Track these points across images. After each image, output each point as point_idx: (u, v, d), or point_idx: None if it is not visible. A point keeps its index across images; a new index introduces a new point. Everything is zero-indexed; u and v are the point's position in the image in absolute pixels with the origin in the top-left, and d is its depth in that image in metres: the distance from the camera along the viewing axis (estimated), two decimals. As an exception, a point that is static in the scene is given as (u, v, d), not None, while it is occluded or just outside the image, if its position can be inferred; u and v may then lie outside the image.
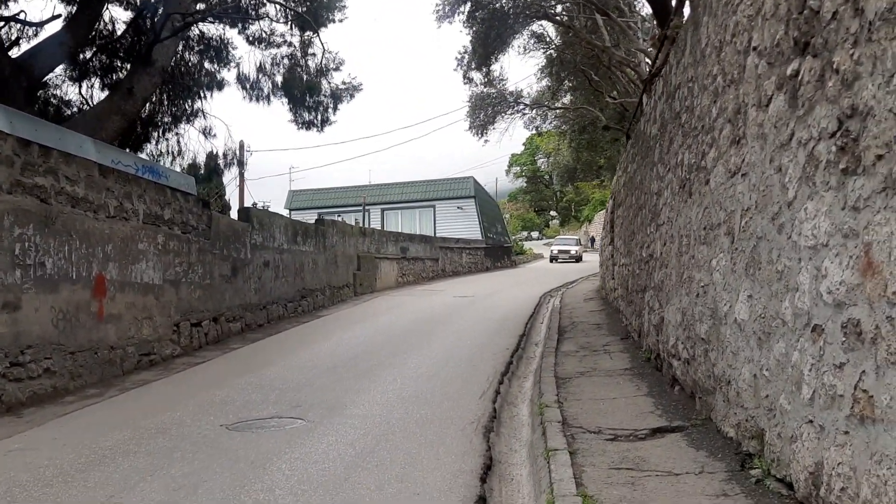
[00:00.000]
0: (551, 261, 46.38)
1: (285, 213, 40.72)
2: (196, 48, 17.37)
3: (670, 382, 7.60)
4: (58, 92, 15.04)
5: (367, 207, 41.10)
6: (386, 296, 22.70)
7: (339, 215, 41.29)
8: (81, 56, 14.32)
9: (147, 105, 14.75)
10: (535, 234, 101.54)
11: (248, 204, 35.93)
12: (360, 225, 37.13)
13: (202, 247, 11.99)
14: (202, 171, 17.06)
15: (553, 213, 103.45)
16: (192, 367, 10.38)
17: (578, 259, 45.75)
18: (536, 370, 9.87)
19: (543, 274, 36.24)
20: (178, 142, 16.50)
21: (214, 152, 17.35)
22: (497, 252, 43.34)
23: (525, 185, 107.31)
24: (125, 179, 9.69)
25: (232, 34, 18.08)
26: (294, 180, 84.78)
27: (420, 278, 29.41)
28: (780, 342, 4.38)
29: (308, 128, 17.83)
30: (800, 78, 4.08)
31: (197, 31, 17.19)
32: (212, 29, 17.41)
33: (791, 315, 4.17)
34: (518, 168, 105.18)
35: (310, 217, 39.02)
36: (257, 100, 16.90)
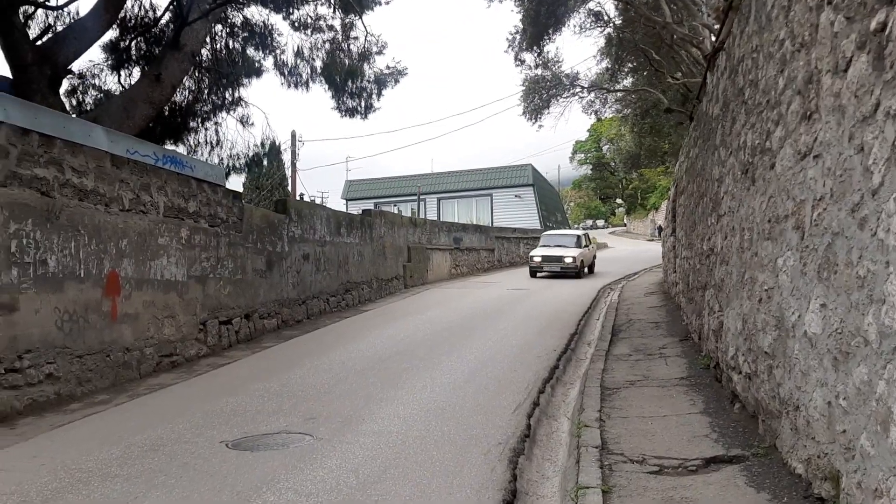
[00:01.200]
0: (532, 274, 25.91)
1: (342, 203, 40.52)
2: (240, 34, 16.86)
3: (730, 398, 6.62)
4: (84, 80, 14.68)
5: (423, 197, 40.47)
6: (437, 288, 21.98)
7: (395, 205, 40.90)
8: (109, 42, 13.93)
9: (178, 92, 14.28)
10: (599, 223, 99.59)
11: (302, 195, 35.68)
12: (415, 215, 36.54)
13: (233, 240, 11.44)
14: (241, 161, 16.56)
15: (619, 200, 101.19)
16: (215, 368, 9.82)
17: (578, 272, 25.55)
18: (584, 376, 8.98)
19: (605, 264, 34.91)
20: (217, 131, 16.02)
21: (255, 142, 16.81)
22: (557, 242, 42.21)
23: (590, 172, 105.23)
24: (142, 170, 9.15)
25: (276, 19, 17.53)
26: (350, 170, 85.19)
27: (474, 269, 28.60)
28: (861, 366, 3.43)
29: (351, 115, 17.15)
30: (888, 32, 3.12)
31: (241, 17, 16.70)
32: (255, 14, 16.87)
33: (876, 333, 3.23)
34: (582, 155, 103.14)
35: (367, 207, 38.73)
36: (296, 86, 16.29)
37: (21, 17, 11.49)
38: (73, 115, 12.76)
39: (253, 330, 12.01)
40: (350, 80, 16.57)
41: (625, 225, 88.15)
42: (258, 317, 12.24)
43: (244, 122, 16.19)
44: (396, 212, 37.08)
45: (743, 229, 6.51)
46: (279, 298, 13.17)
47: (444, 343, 11.46)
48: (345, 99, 16.86)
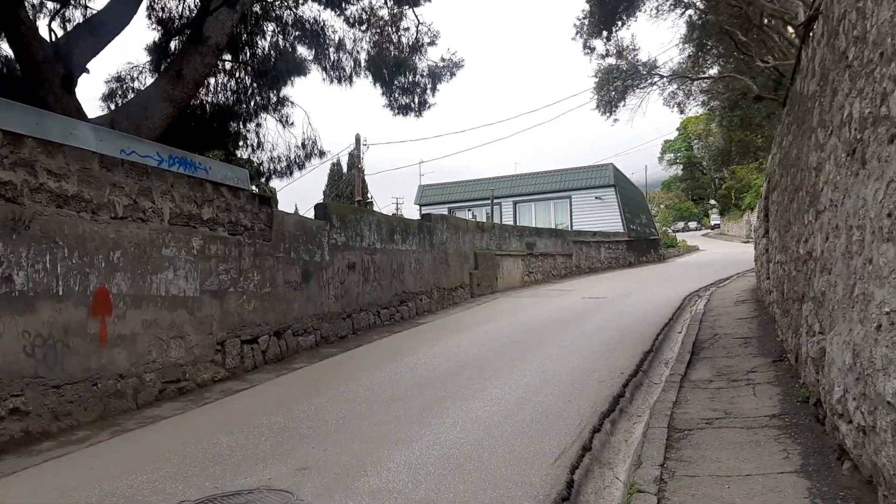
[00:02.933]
0: None
1: (415, 209, 39.50)
2: (291, 32, 15.93)
3: (836, 451, 4.99)
4: (123, 83, 14.00)
5: (499, 200, 38.95)
6: (506, 297, 20.55)
7: (469, 210, 39.64)
8: (152, 42, 13.18)
9: (218, 93, 13.41)
10: (692, 224, 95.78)
11: (369, 202, 34.97)
12: (490, 219, 35.17)
13: (259, 250, 10.40)
14: (282, 164, 15.59)
15: (712, 201, 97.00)
16: (228, 395, 8.76)
17: None
18: (651, 409, 7.43)
19: (693, 269, 32.68)
20: (258, 133, 15.10)
21: (296, 143, 15.79)
22: (641, 245, 39.90)
23: (680, 172, 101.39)
24: (141, 173, 8.17)
25: (328, 15, 16.54)
26: (423, 175, 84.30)
27: (550, 276, 26.99)
28: None
29: (405, 113, 15.97)
30: None
31: (292, 15, 15.78)
32: (306, 11, 15.92)
33: None
34: (671, 155, 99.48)
35: (441, 212, 37.62)
36: (339, 80, 15.19)
37: (29, 10, 10.80)
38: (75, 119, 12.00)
39: (285, 349, 10.93)
40: (401, 74, 15.37)
41: (715, 227, 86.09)
42: (291, 334, 11.16)
43: (285, 122, 15.21)
44: (471, 217, 35.83)
45: (850, 227, 4.91)
46: (318, 313, 12.06)
47: (496, 363, 10.08)
48: (396, 95, 15.68)
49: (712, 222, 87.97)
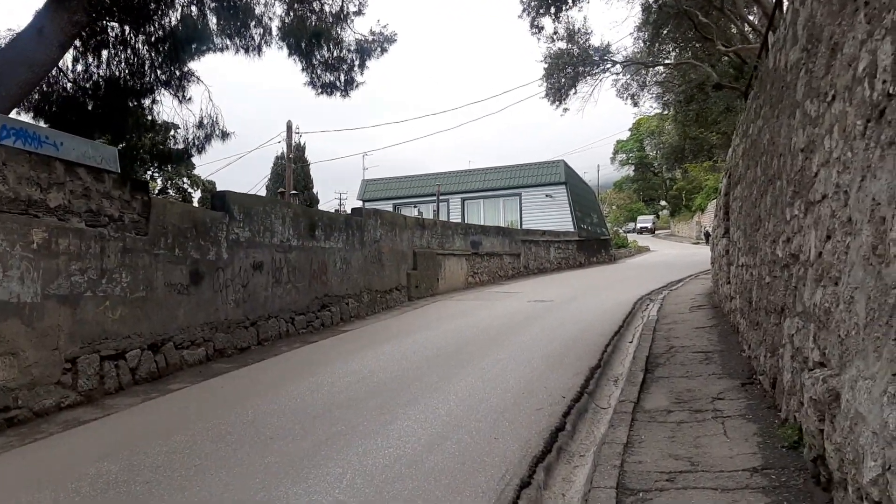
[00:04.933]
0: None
1: (359, 205, 37.65)
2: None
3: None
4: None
5: (447, 197, 37.32)
6: (447, 300, 18.94)
7: (415, 206, 37.97)
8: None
9: (112, 67, 11.48)
10: (638, 226, 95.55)
11: (296, 195, 33.16)
12: (436, 216, 33.56)
13: (131, 245, 8.59)
14: (178, 147, 13.66)
15: (663, 202, 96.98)
16: (71, 428, 6.94)
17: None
18: (597, 454, 5.87)
19: (645, 271, 31.55)
20: (152, 111, 13.15)
21: (195, 121, 13.83)
22: (592, 245, 38.67)
23: (632, 173, 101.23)
24: (-53, 146, 6.31)
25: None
26: (367, 168, 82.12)
27: (496, 277, 25.45)
28: None
29: (329, 92, 14.20)
30: None
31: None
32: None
33: None
34: (624, 155, 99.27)
35: (386, 208, 35.88)
36: (246, 50, 13.31)
37: None
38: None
39: (163, 365, 9.11)
40: (322, 47, 13.57)
41: (642, 230, 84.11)
42: (174, 347, 9.35)
43: (182, 98, 13.25)
44: (417, 213, 34.15)
45: (877, 220, 3.40)
46: (212, 321, 10.26)
47: (417, 384, 8.45)
48: (319, 72, 13.89)
49: (639, 225, 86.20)
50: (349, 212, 16.18)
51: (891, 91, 3.38)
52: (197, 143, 14.19)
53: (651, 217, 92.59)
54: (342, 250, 14.65)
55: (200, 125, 13.97)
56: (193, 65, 14.56)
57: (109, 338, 8.18)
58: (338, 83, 14.21)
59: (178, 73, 13.51)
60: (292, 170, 57.76)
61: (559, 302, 17.70)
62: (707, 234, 57.01)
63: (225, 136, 14.08)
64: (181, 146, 13.91)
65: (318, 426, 6.73)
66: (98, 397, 7.91)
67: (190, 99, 13.52)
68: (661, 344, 10.87)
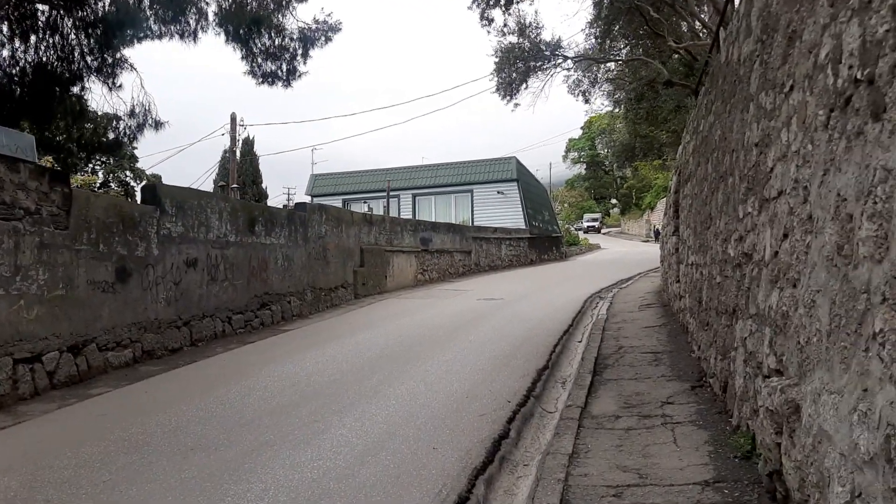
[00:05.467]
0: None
1: (307, 200, 36.89)
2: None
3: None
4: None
5: (397, 193, 36.79)
6: (395, 298, 18.50)
7: (365, 202, 37.38)
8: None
9: (40, 52, 10.73)
10: (586, 224, 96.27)
11: (235, 189, 32.55)
12: (386, 212, 33.08)
13: (49, 241, 7.97)
14: (109, 137, 12.95)
15: (614, 200, 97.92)
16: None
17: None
18: (541, 464, 5.53)
19: (595, 268, 31.56)
20: (81, 100, 12.40)
21: (126, 110, 13.11)
22: (544, 243, 38.60)
23: (583, 171, 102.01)
24: None
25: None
26: (316, 163, 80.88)
27: (446, 275, 25.10)
28: None
29: (271, 81, 13.62)
30: None
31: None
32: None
33: None
34: (575, 154, 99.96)
35: (335, 203, 35.22)
36: (181, 36, 12.65)
37: None
38: None
39: (85, 368, 8.51)
40: (262, 34, 12.98)
41: (589, 228, 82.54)
42: (97, 348, 8.74)
43: (112, 85, 12.52)
44: (367, 209, 33.62)
45: (843, 217, 3.10)
46: (140, 321, 9.67)
47: (356, 387, 8.02)
48: (259, 60, 13.30)
49: (585, 224, 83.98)
50: (291, 206, 15.62)
51: (858, 77, 3.08)
52: (129, 132, 13.44)
53: (598, 215, 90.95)
54: (284, 246, 14.10)
55: (132, 114, 13.25)
56: (131, 51, 13.83)
57: (24, 339, 7.56)
58: (279, 73, 13.65)
59: (110, 59, 12.79)
60: (239, 163, 56.57)
61: (509, 300, 17.42)
62: (657, 232, 57.38)
63: (158, 125, 13.37)
64: (111, 136, 13.17)
65: (244, 435, 6.25)
66: (10, 403, 7.29)
67: (121, 86, 12.81)
68: (611, 344, 10.62)
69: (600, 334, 11.56)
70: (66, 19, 12.34)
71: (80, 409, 7.45)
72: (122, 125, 13.26)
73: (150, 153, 74.71)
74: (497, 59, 19.35)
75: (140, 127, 13.32)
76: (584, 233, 74.57)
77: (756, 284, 5.14)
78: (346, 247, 17.67)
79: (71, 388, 8.20)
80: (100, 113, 13.47)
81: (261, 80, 13.64)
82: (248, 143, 60.04)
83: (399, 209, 37.20)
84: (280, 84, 13.72)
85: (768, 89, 5.07)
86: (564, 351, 10.70)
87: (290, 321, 14.00)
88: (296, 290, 14.53)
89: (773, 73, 4.90)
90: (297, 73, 13.76)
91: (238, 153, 62.89)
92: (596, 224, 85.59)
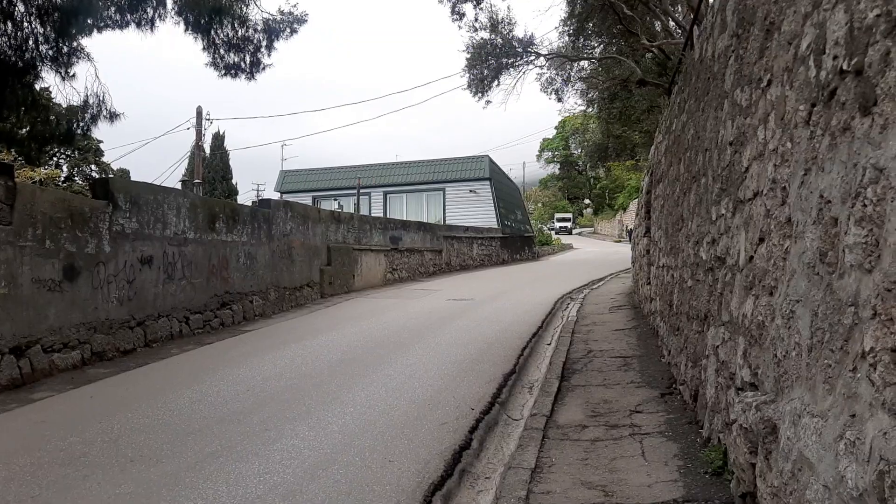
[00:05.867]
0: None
1: (276, 196, 36.29)
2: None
3: None
4: None
5: (368, 191, 36.34)
6: (362, 298, 18.12)
7: (335, 199, 36.91)
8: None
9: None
10: (558, 225, 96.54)
11: (196, 185, 32.10)
12: (357, 210, 32.66)
13: (-13, 237, 7.51)
14: (62, 128, 12.42)
15: (587, 200, 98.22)
16: None
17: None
18: (502, 479, 5.23)
19: (567, 268, 31.44)
20: (31, 91, 11.85)
21: (79, 100, 12.56)
22: (516, 243, 38.41)
23: (558, 171, 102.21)
24: None
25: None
26: (286, 159, 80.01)
27: (416, 274, 24.75)
28: None
29: (234, 74, 13.18)
30: None
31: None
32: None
33: None
34: (549, 153, 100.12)
35: (305, 201, 34.70)
36: (138, 25, 12.15)
37: None
38: None
39: (28, 371, 8.05)
40: (224, 24, 12.53)
41: (561, 230, 79.61)
42: (41, 350, 8.28)
43: (65, 75, 12.00)
44: (337, 207, 33.15)
45: (827, 221, 2.83)
46: (90, 321, 9.21)
47: (313, 393, 7.66)
48: (222, 51, 12.85)
49: (556, 224, 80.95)
50: (255, 203, 15.18)
51: (844, 67, 2.81)
52: (82, 123, 12.87)
53: (569, 215, 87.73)
54: (247, 244, 13.67)
55: (86, 105, 12.71)
56: (89, 41, 13.25)
57: (-44, 342, 7.11)
58: (243, 65, 13.20)
59: (65, 48, 12.26)
60: (209, 159, 55.64)
61: (479, 300, 17.14)
62: (630, 233, 57.13)
63: (114, 116, 12.83)
64: (65, 127, 12.61)
65: (190, 445, 5.88)
66: (-65, 411, 6.84)
67: (74, 76, 12.26)
68: (580, 347, 10.36)
69: (569, 337, 11.31)
70: (19, 5, 11.81)
71: (20, 415, 7.01)
72: (75, 116, 12.70)
73: (116, 146, 73.33)
74: (469, 56, 19.05)
75: (94, 118, 12.76)
76: (556, 234, 72.11)
77: (729, 290, 4.88)
78: (313, 245, 17.26)
79: (12, 392, 7.74)
80: (53, 103, 12.92)
81: (223, 72, 13.18)
82: (219, 139, 59.19)
83: (370, 207, 36.77)
84: (243, 76, 13.29)
85: (744, 85, 4.83)
86: (533, 354, 10.44)
87: (252, 321, 13.58)
88: (258, 290, 14.11)
89: (750, 69, 4.66)
90: (262, 66, 13.33)
91: (208, 149, 62.04)
92: (568, 225, 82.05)
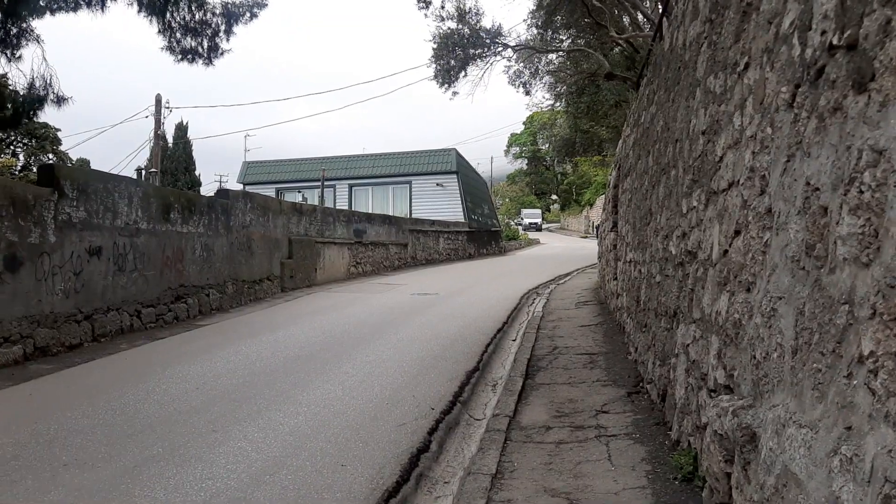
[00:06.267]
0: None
1: (238, 188, 35.58)
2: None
3: None
4: None
5: (333, 183, 35.80)
6: (324, 292, 17.72)
7: (299, 192, 36.35)
8: None
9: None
10: (524, 221, 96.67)
11: (151, 174, 31.51)
12: (321, 202, 32.18)
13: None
14: (6, 111, 11.83)
15: (554, 196, 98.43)
16: None
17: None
18: (464, 481, 4.94)
19: (533, 263, 31.28)
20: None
21: (25, 83, 11.98)
22: (483, 237, 38.19)
23: (525, 166, 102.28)
24: None
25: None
26: (249, 150, 78.71)
27: (381, 268, 24.38)
28: None
29: (191, 59, 12.68)
30: None
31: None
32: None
33: None
34: (517, 148, 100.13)
35: (268, 192, 34.06)
36: (88, 5, 11.61)
37: None
38: None
39: (-41, 368, 7.58)
40: (180, 7, 12.03)
41: (531, 225, 75.38)
42: (-26, 345, 7.81)
43: (10, 57, 11.42)
44: (301, 199, 32.59)
45: (815, 210, 2.57)
46: (32, 314, 8.73)
47: (266, 391, 7.30)
48: (178, 35, 12.35)
49: (525, 220, 76.26)
50: (213, 194, 14.71)
51: (834, 42, 2.55)
52: (27, 106, 12.26)
53: (538, 211, 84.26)
54: (204, 235, 13.20)
55: (31, 88, 12.12)
56: (40, 22, 12.66)
57: None
58: (200, 49, 12.71)
59: (14, 29, 11.67)
60: (171, 149, 54.42)
61: (444, 295, 16.84)
62: (597, 229, 56.66)
63: (62, 100, 12.26)
64: (10, 109, 12.00)
65: (130, 448, 5.49)
66: None
67: (20, 58, 11.67)
68: (545, 344, 10.12)
69: (535, 333, 11.07)
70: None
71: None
72: (20, 98, 12.09)
73: (75, 133, 71.64)
74: (435, 46, 18.68)
75: (40, 101, 12.14)
76: (524, 230, 68.70)
77: (701, 286, 4.64)
78: (274, 237, 16.82)
79: (-60, 391, 7.26)
80: (8, 89, 12.32)
81: (180, 56, 12.67)
82: (182, 129, 58.00)
83: (335, 200, 36.24)
84: (201, 62, 12.81)
85: (718, 71, 4.59)
86: (497, 350, 10.18)
87: (209, 315, 13.13)
88: (216, 283, 13.65)
89: (724, 54, 4.42)
90: (220, 51, 12.85)
91: (171, 139, 60.94)
92: (538, 221, 77.65)
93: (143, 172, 24.52)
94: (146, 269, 11.26)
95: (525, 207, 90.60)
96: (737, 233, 3.76)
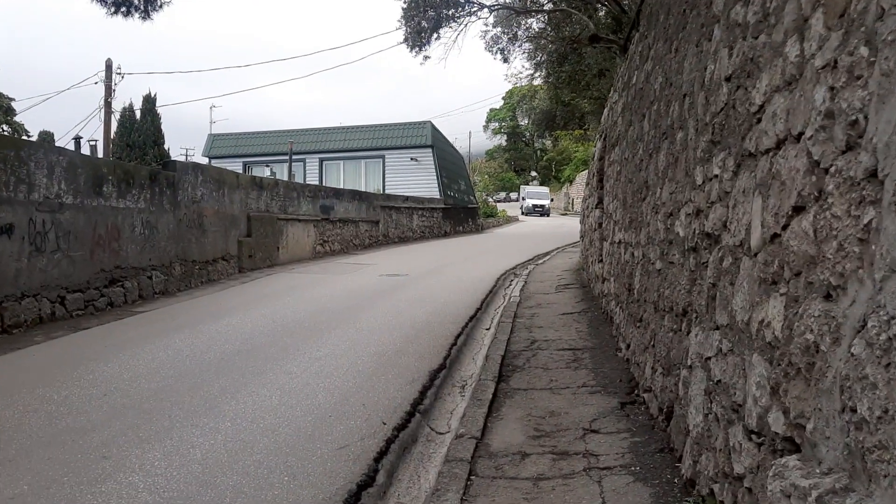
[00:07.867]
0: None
1: (204, 161, 33.94)
2: None
3: None
4: None
5: (303, 157, 34.25)
6: (286, 273, 16.41)
7: (268, 166, 34.84)
8: None
9: None
10: (513, 195, 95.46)
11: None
12: (291, 177, 30.73)
13: None
14: None
15: (533, 173, 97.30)
16: None
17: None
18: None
19: (512, 241, 30.14)
20: None
21: None
22: (459, 214, 36.89)
23: (504, 142, 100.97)
24: None
25: None
26: (215, 121, 76.37)
27: (350, 246, 23.06)
28: None
29: (126, 12, 11.26)
30: None
31: None
32: None
33: None
34: (496, 123, 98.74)
35: (235, 166, 32.52)
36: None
37: None
38: None
39: None
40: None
41: (545, 208, 61.48)
42: None
43: None
44: (269, 173, 31.11)
45: None
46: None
47: (188, 400, 6.06)
48: (106, -18, 10.91)
49: (529, 201, 62.80)
50: (157, 165, 13.33)
51: None
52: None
53: (545, 190, 68.53)
54: (145, 211, 11.84)
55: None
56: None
57: None
58: (136, 1, 11.31)
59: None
60: (139, 122, 52.41)
61: (415, 276, 15.63)
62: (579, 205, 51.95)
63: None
64: None
65: (15, 465, 4.25)
66: None
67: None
68: (522, 336, 8.95)
69: (510, 322, 9.89)
70: None
71: None
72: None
73: (28, 102, 68.87)
74: (405, 5, 17.29)
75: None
76: (526, 215, 58.15)
77: (728, 281, 3.46)
78: (230, 213, 15.47)
79: None
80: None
81: (112, 9, 11.23)
82: (150, 101, 55.90)
83: (305, 174, 34.73)
84: (137, 15, 11.35)
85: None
86: (469, 342, 9.02)
87: (150, 300, 11.80)
88: (160, 264, 12.31)
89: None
90: (159, 4, 11.45)
91: (138, 112, 58.79)
92: (545, 204, 62.25)
93: (81, 141, 22.97)
94: (72, 249, 9.92)
95: (504, 185, 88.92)
96: (797, 209, 2.56)
